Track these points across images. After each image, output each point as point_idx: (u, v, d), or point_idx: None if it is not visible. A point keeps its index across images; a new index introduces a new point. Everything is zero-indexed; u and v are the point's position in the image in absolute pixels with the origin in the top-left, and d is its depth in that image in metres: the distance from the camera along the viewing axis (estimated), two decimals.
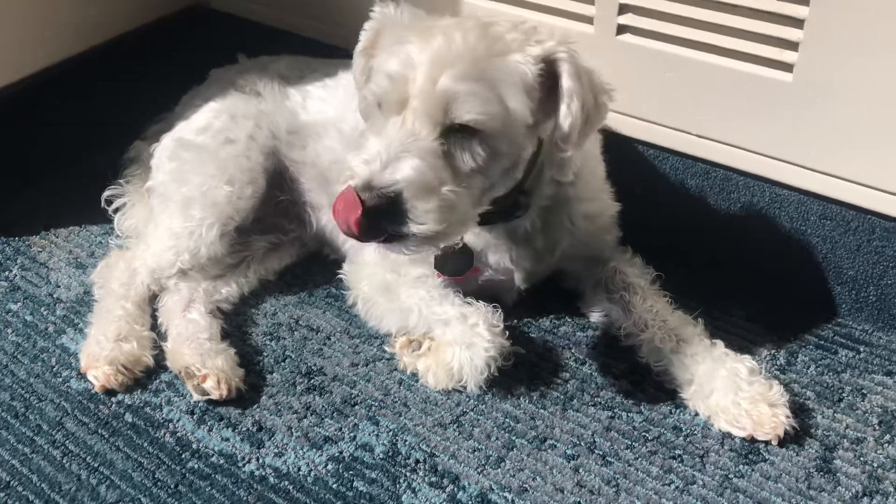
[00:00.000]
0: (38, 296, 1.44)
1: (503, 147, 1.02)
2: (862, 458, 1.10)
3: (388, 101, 1.01)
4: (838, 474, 1.09)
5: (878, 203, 1.16)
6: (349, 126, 1.37)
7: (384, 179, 0.95)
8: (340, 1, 1.58)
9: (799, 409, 1.16)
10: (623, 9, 1.22)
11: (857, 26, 1.06)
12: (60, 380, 1.28)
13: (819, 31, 1.08)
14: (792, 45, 1.11)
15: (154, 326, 1.34)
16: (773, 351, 1.26)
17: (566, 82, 1.00)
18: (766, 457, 1.11)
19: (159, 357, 1.30)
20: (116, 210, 1.53)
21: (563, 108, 1.01)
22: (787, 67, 1.13)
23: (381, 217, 0.96)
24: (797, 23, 1.09)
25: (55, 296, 1.44)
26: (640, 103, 1.30)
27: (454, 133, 1.00)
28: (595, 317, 1.31)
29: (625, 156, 1.34)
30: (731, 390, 1.13)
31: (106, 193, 1.54)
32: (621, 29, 1.25)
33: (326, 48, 1.63)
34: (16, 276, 1.48)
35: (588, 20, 1.27)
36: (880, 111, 1.09)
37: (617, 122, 1.33)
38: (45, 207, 1.62)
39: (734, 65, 1.17)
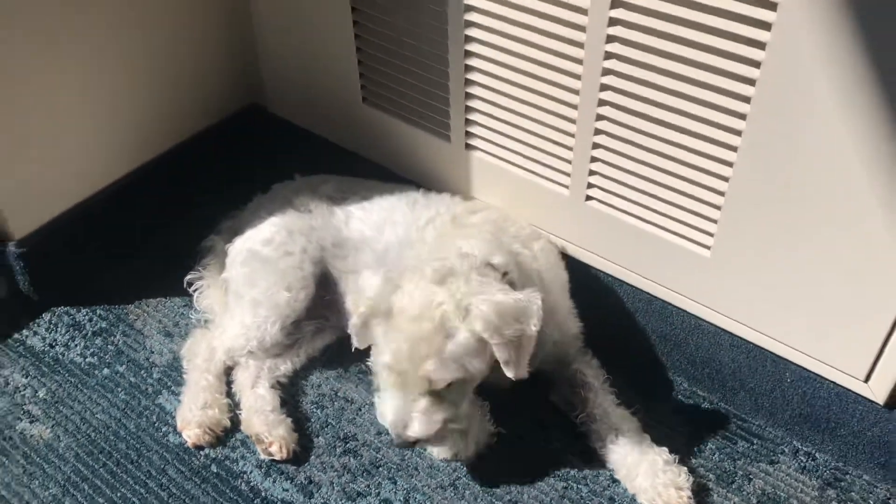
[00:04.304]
0: (138, 360, 1.87)
1: (473, 381, 1.49)
2: None
3: (390, 381, 1.45)
4: None
5: (767, 343, 1.58)
6: (381, 246, 1.77)
7: (407, 436, 1.46)
8: (377, 128, 1.98)
9: (701, 489, 1.58)
10: (590, 185, 1.63)
11: (761, 222, 1.46)
12: (161, 434, 1.72)
13: (728, 226, 1.49)
14: (709, 235, 1.52)
15: (229, 393, 1.78)
16: (689, 439, 1.69)
17: (494, 349, 1.41)
18: None
19: (234, 419, 1.74)
20: (195, 290, 1.96)
21: (498, 358, 1.42)
22: (705, 248, 1.54)
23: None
24: (711, 222, 1.50)
25: (151, 360, 1.87)
26: (601, 246, 1.71)
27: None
28: (561, 406, 1.72)
29: (591, 282, 1.75)
30: (650, 475, 1.55)
31: (187, 277, 1.96)
32: (588, 197, 1.65)
33: (363, 161, 2.04)
34: (119, 341, 1.91)
35: (565, 187, 1.67)
36: (768, 285, 1.51)
37: (584, 256, 1.74)
38: (136, 281, 2.03)
39: (667, 237, 1.58)
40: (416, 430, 1.46)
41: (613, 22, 1.41)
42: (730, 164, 1.43)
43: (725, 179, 1.45)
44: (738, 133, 1.38)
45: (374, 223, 1.80)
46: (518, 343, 1.42)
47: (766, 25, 1.26)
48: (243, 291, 1.79)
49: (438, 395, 1.45)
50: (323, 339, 1.88)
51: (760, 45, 1.28)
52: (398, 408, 1.46)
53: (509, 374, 1.44)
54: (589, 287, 1.72)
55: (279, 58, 2.08)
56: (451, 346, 1.41)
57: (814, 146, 1.31)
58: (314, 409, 1.77)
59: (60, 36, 1.77)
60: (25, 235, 1.88)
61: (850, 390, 1.52)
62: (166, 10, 1.96)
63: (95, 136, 1.93)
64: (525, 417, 1.73)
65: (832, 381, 1.54)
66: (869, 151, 1.26)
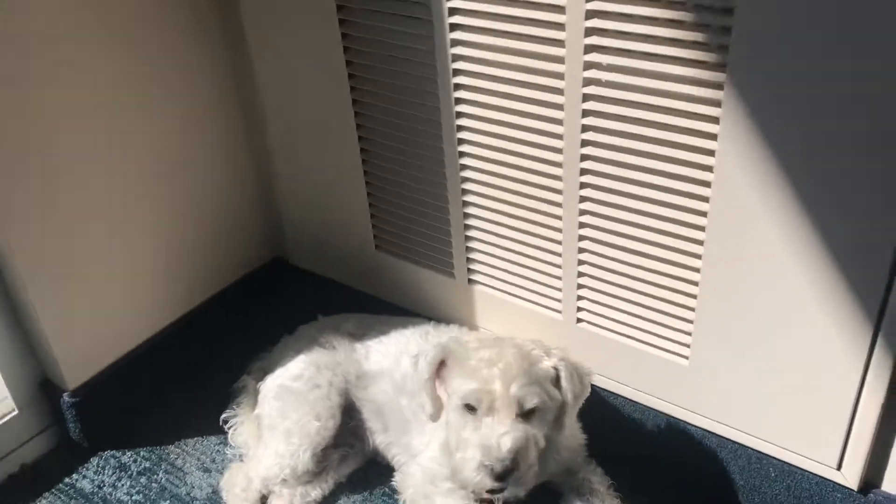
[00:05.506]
0: (181, 495, 2.03)
1: (548, 414, 1.67)
2: None
3: (480, 407, 1.62)
4: None
5: (750, 441, 1.76)
6: (399, 375, 1.98)
7: (502, 456, 1.57)
8: (390, 271, 2.24)
9: None
10: (580, 309, 1.87)
11: (729, 331, 1.68)
12: None
13: (701, 337, 1.71)
14: (686, 346, 1.75)
15: None
16: None
17: (563, 382, 1.67)
18: None
19: None
20: (230, 427, 2.15)
21: (564, 393, 1.67)
22: (684, 357, 1.76)
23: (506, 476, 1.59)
24: (687, 335, 1.73)
25: (192, 495, 2.03)
26: (594, 363, 1.91)
27: (525, 414, 1.63)
28: None
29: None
30: None
31: (223, 415, 2.16)
32: (579, 320, 1.89)
33: (378, 301, 2.29)
34: (162, 479, 2.08)
35: (558, 311, 1.91)
36: (743, 388, 1.71)
37: None
38: (175, 422, 2.22)
39: (650, 350, 1.80)
40: (509, 443, 1.56)
41: (584, 157, 1.69)
42: (696, 284, 1.67)
43: (694, 297, 1.68)
44: (698, 257, 1.64)
45: (392, 355, 2.02)
46: (578, 396, 1.69)
47: (709, 154, 1.52)
48: (276, 423, 1.98)
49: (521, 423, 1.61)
50: (348, 465, 2.05)
51: (708, 168, 1.54)
52: (488, 433, 1.59)
53: (565, 421, 1.69)
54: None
55: (299, 217, 2.37)
56: (535, 369, 1.65)
57: (763, 265, 1.56)
58: None
59: (102, 208, 2.05)
60: (78, 386, 2.10)
61: (826, 479, 1.69)
62: (204, 189, 2.27)
63: (139, 293, 2.19)
64: None
65: (810, 472, 1.71)
66: (811, 263, 1.51)
